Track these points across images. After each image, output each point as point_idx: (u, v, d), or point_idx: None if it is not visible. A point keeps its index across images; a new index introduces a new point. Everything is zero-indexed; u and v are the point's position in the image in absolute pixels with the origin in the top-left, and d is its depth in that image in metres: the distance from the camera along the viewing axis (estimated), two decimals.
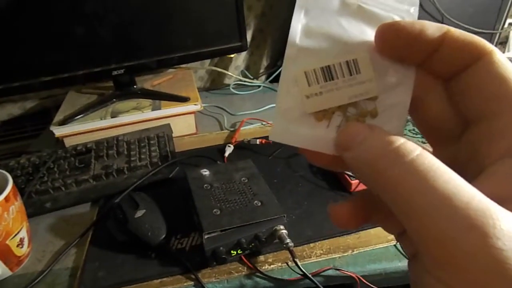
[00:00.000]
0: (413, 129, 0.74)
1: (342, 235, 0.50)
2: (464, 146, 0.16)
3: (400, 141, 0.13)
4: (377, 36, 0.16)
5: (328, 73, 0.17)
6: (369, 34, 0.17)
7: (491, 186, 0.13)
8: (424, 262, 0.13)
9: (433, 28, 0.15)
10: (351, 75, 0.17)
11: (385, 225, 0.17)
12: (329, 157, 0.17)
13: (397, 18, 0.17)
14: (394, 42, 0.16)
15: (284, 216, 0.47)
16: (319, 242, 0.50)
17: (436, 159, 0.13)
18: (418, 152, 0.13)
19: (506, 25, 0.82)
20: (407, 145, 0.13)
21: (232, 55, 0.95)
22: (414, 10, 0.17)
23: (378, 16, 0.17)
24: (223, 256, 0.45)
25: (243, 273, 0.46)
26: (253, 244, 0.47)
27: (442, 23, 0.68)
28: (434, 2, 0.75)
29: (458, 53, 0.15)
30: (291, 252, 0.45)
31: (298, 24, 0.17)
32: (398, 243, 0.48)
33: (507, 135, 0.14)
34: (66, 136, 0.73)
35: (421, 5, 0.76)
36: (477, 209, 0.11)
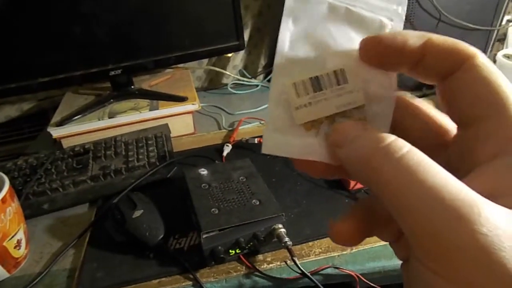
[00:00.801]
0: None
1: None
2: (454, 151, 0.16)
3: (390, 138, 0.14)
4: (361, 50, 0.16)
5: (317, 83, 0.17)
6: (356, 41, 0.17)
7: (478, 184, 0.13)
8: (418, 257, 0.13)
9: (414, 38, 0.15)
10: (339, 85, 0.17)
11: (380, 233, 0.17)
12: (322, 166, 0.17)
13: (385, 20, 0.17)
14: (378, 57, 0.16)
15: (282, 215, 0.47)
16: (318, 240, 0.49)
17: (425, 155, 0.13)
18: (408, 148, 0.13)
19: (504, 22, 0.82)
20: (397, 142, 0.14)
21: (230, 55, 0.95)
22: (402, 10, 0.17)
23: (366, 19, 0.17)
24: (222, 255, 0.45)
25: (242, 272, 0.46)
26: (251, 243, 0.46)
27: (439, 20, 0.68)
28: (431, 0, 0.75)
29: (441, 60, 0.15)
30: (290, 251, 0.45)
31: (286, 32, 0.17)
32: None
33: (494, 138, 0.14)
34: (64, 137, 0.72)
35: (418, 3, 0.76)
36: (464, 200, 0.12)
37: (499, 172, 0.13)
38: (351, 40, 0.17)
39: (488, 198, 0.12)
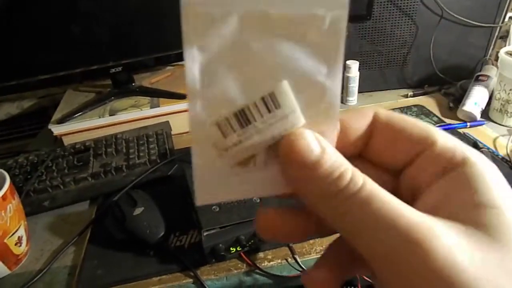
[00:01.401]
0: None
1: None
2: (402, 185, 0.17)
3: (344, 177, 0.13)
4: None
5: (243, 117, 0.14)
6: (283, 53, 0.14)
7: (423, 204, 0.14)
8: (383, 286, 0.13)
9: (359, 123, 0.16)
10: (270, 112, 0.14)
11: (357, 270, 0.17)
12: (288, 229, 0.16)
13: (320, 14, 0.13)
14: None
15: None
16: (319, 238, 0.49)
17: (376, 185, 0.13)
18: (361, 183, 0.13)
19: (506, 19, 0.81)
20: (351, 177, 0.13)
21: None
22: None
23: (292, 19, 0.13)
24: (222, 253, 0.45)
25: (243, 270, 0.46)
26: (252, 241, 0.46)
27: (442, 17, 0.67)
28: None
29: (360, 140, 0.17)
30: (291, 249, 0.45)
31: (194, 66, 0.13)
32: None
33: (428, 167, 0.15)
34: (65, 135, 0.72)
35: (421, 0, 0.76)
36: (414, 225, 0.12)
37: (439, 189, 0.14)
38: (275, 53, 0.14)
39: (430, 213, 0.13)
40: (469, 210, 0.13)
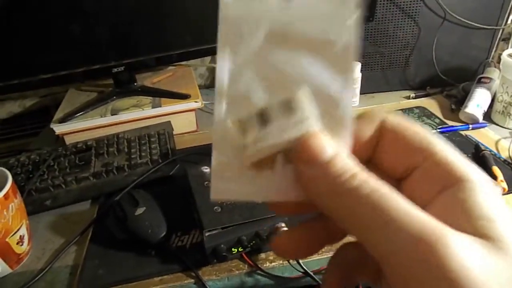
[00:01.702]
0: None
1: None
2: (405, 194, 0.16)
3: (358, 177, 0.14)
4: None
5: (262, 118, 0.16)
6: (302, 65, 0.15)
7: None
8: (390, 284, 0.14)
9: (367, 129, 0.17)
10: (288, 116, 0.15)
11: (360, 274, 0.18)
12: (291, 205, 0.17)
13: (332, 39, 0.15)
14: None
15: None
16: None
17: (388, 188, 0.14)
18: (373, 184, 0.14)
19: (509, 21, 0.81)
20: (363, 178, 0.14)
21: None
22: (355, 20, 0.15)
23: (310, 40, 0.15)
24: (224, 253, 0.45)
25: (244, 270, 0.46)
26: (254, 241, 0.46)
27: (444, 19, 0.67)
28: None
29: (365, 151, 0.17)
30: None
31: (224, 66, 0.15)
32: None
33: (427, 182, 0.15)
34: (66, 134, 0.72)
35: (423, 1, 0.76)
36: (430, 229, 0.13)
37: (440, 204, 0.15)
38: (296, 65, 0.15)
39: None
40: (472, 223, 0.13)
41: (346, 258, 0.17)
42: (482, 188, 0.14)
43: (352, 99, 0.17)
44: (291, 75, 0.15)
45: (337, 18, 0.15)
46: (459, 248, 0.12)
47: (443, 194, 0.15)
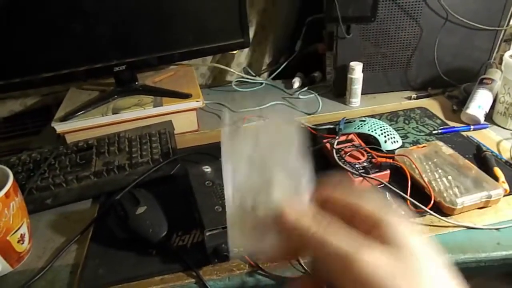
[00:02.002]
0: (416, 127, 0.73)
1: None
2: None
3: (309, 227, 0.21)
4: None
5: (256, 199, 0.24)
6: (277, 161, 0.24)
7: None
8: None
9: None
10: (269, 195, 0.23)
11: None
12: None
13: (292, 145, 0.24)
14: None
15: None
16: None
17: (328, 228, 0.21)
18: (315, 229, 0.21)
19: (511, 22, 0.81)
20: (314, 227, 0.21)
21: (234, 52, 0.94)
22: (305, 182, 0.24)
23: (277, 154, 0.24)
24: (225, 253, 0.45)
25: (245, 270, 0.46)
26: None
27: (446, 20, 0.67)
28: None
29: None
30: None
31: (228, 172, 0.24)
32: None
33: (361, 225, 0.21)
34: (68, 133, 0.72)
35: (425, 2, 0.76)
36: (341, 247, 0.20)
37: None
38: (273, 161, 0.24)
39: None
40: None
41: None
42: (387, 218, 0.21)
43: (308, 177, 0.24)
44: (270, 167, 0.24)
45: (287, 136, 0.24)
46: (369, 257, 0.19)
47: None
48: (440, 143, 0.64)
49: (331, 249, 0.20)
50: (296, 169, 0.24)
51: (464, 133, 0.70)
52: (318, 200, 0.24)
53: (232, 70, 0.96)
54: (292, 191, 0.24)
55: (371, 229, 0.21)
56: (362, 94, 0.83)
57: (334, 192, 0.23)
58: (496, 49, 0.83)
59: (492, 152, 0.63)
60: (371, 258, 0.19)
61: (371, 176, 0.56)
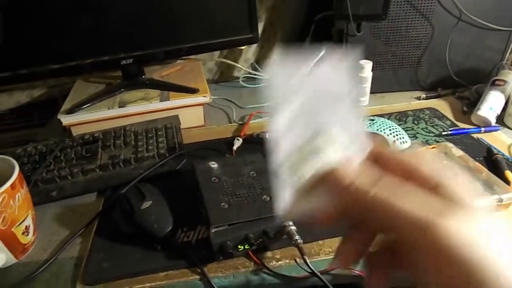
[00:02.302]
0: (426, 128, 0.72)
1: None
2: None
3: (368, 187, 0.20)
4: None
5: (305, 158, 0.23)
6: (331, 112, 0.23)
7: None
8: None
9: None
10: (319, 153, 0.23)
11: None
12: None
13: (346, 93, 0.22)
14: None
15: None
16: (328, 240, 0.49)
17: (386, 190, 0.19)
18: (376, 190, 0.19)
19: None
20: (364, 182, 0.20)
21: (242, 47, 0.94)
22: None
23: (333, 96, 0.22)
24: (230, 250, 0.44)
25: (250, 268, 0.46)
26: (261, 239, 0.46)
27: (459, 19, 0.66)
28: None
29: None
30: (300, 250, 0.44)
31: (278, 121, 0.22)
32: None
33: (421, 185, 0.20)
34: (74, 125, 0.72)
35: (438, 1, 0.74)
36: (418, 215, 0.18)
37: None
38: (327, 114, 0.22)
39: None
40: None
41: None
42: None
43: (363, 131, 0.22)
44: (324, 120, 0.22)
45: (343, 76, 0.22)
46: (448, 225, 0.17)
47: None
48: (450, 145, 0.62)
49: (403, 214, 0.18)
50: (350, 122, 0.21)
51: (474, 135, 0.69)
52: (370, 158, 0.22)
53: (239, 65, 0.96)
54: (347, 147, 0.21)
55: (431, 191, 0.19)
56: (370, 93, 0.82)
57: (387, 150, 0.21)
58: (509, 50, 0.81)
59: (503, 155, 0.61)
60: (454, 224, 0.17)
61: None
